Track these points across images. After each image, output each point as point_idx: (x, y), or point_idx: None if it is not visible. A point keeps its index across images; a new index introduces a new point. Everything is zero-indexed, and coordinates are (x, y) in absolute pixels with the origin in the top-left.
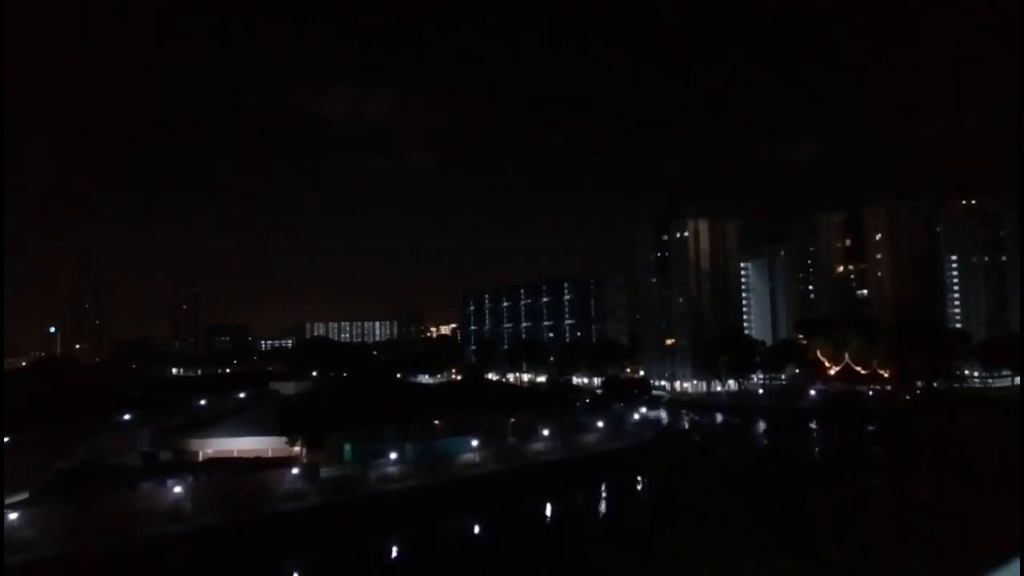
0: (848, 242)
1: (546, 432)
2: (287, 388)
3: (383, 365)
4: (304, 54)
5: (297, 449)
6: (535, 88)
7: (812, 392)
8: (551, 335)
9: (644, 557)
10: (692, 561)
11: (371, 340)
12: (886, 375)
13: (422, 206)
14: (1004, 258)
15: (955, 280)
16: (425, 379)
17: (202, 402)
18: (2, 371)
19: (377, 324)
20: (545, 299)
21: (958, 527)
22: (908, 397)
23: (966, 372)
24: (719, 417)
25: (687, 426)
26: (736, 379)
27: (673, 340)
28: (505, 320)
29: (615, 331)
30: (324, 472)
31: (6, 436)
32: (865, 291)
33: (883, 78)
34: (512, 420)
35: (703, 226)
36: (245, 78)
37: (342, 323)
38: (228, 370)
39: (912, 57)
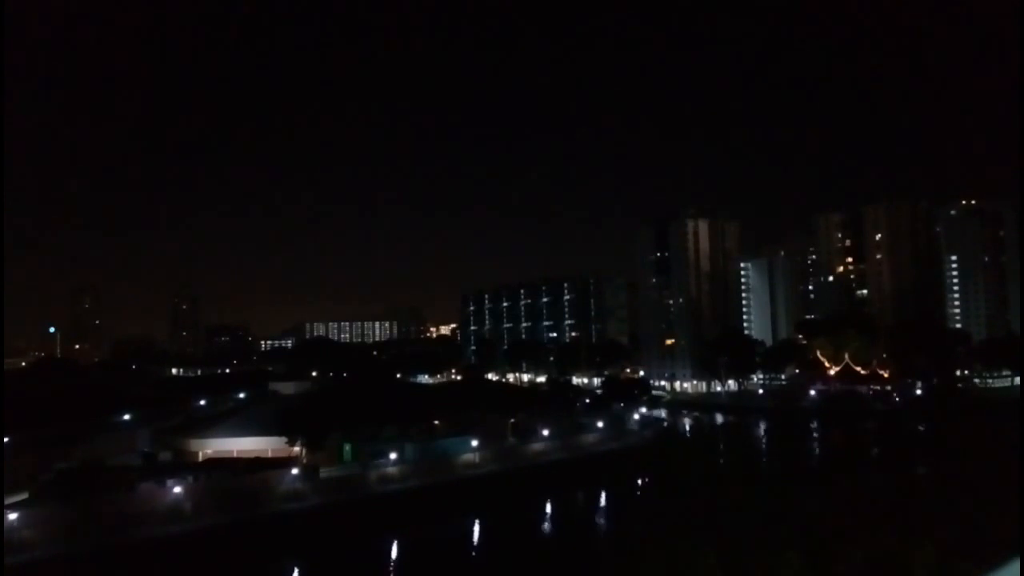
0: (848, 242)
1: (546, 432)
2: (287, 388)
3: (383, 365)
4: (302, 54)
5: (297, 449)
6: (535, 88)
7: (812, 392)
8: (551, 335)
9: (642, 558)
10: (690, 562)
11: (371, 340)
12: (886, 375)
13: (422, 206)
14: (1004, 258)
15: (955, 280)
16: (425, 379)
17: (202, 402)
18: (2, 371)
19: (377, 324)
20: (545, 299)
21: (957, 527)
22: (905, 397)
23: (966, 372)
24: (719, 417)
25: (687, 426)
26: (736, 379)
27: (673, 340)
28: (505, 320)
29: (615, 331)
30: (324, 472)
31: (6, 436)
32: (865, 291)
33: (884, 78)
34: (512, 420)
35: (703, 226)
36: (245, 76)
37: (342, 323)
38: (228, 370)
39: (914, 56)
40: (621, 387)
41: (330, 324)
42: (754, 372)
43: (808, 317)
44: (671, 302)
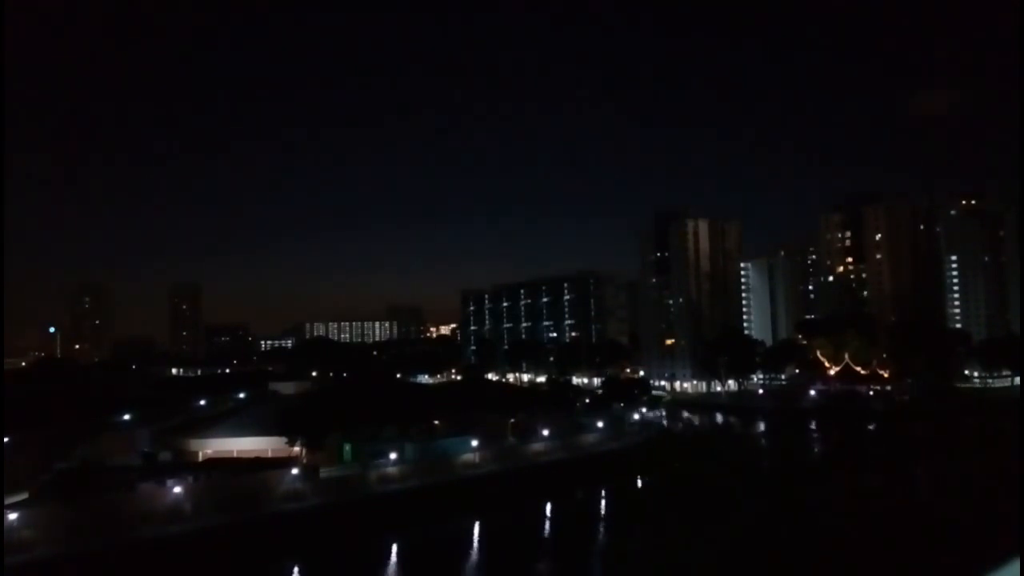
0: (848, 242)
1: (546, 432)
2: (287, 388)
3: (383, 365)
4: (301, 53)
5: (297, 449)
6: (536, 87)
7: (812, 392)
8: (551, 335)
9: (639, 561)
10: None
11: (371, 340)
12: (886, 375)
13: (422, 206)
14: (1004, 258)
15: (955, 280)
16: (425, 379)
17: (202, 402)
18: (2, 371)
19: (377, 324)
20: (545, 299)
21: (953, 529)
22: (907, 397)
23: (966, 372)
24: (719, 417)
25: (687, 427)
26: (736, 379)
27: (673, 340)
28: (505, 320)
29: (615, 331)
30: (324, 472)
31: (6, 436)
32: (865, 291)
33: (884, 78)
34: (512, 420)
35: (703, 226)
36: (245, 75)
37: (342, 323)
38: (228, 370)
39: (914, 55)
40: (621, 387)
41: (330, 324)
42: (754, 372)
43: (808, 317)
44: (671, 302)
